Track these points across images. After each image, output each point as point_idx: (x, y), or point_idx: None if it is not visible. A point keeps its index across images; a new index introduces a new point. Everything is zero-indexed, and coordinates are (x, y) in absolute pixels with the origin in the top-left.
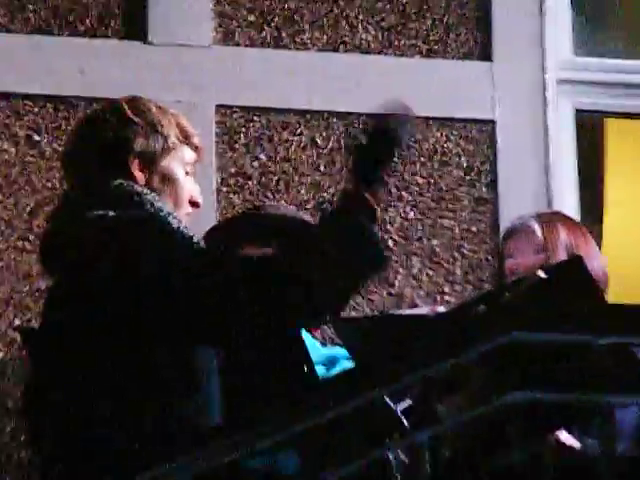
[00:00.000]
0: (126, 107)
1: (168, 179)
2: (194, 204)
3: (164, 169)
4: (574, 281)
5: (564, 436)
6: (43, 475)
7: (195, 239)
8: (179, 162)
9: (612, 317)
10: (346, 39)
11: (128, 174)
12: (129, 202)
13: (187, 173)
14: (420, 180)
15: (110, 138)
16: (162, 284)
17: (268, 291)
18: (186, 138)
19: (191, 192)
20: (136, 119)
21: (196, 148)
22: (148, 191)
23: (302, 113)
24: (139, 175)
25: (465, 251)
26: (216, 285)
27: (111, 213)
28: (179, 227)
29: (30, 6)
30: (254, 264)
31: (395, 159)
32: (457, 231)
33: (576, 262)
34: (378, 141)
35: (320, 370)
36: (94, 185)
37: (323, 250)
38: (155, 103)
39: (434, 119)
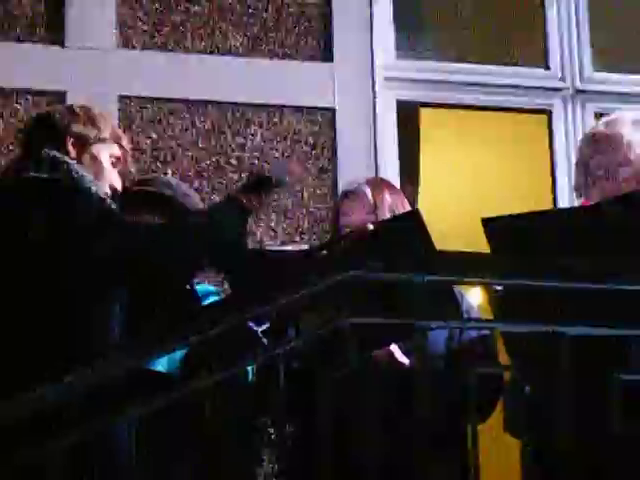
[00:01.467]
0: (75, 105)
1: (95, 161)
2: (113, 190)
3: (94, 153)
4: (411, 229)
5: (395, 351)
6: None
7: (106, 202)
8: (107, 152)
9: (432, 260)
10: (219, 45)
11: (63, 149)
12: (58, 168)
13: (113, 165)
14: (277, 154)
15: (55, 120)
16: (75, 233)
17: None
18: (117, 139)
19: (112, 180)
20: (78, 111)
21: (123, 148)
22: (75, 162)
23: (184, 102)
24: (72, 151)
25: (311, 209)
26: (107, 236)
27: (43, 175)
28: (96, 190)
29: None
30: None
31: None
32: (305, 193)
33: (416, 213)
34: (268, 182)
35: None
36: (35, 154)
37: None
38: (100, 111)
39: (288, 107)
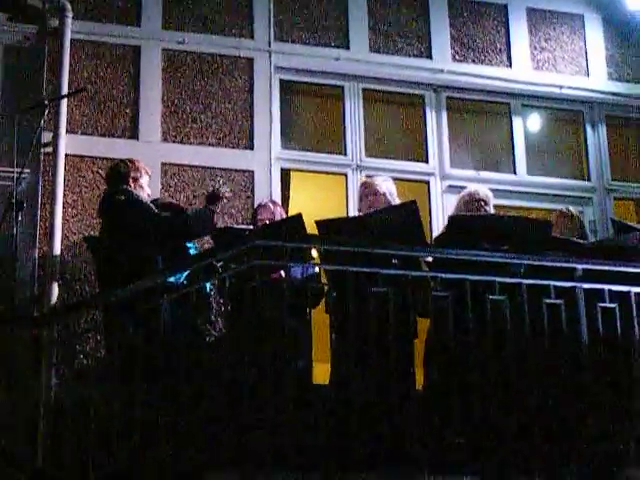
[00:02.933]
0: (127, 161)
1: (141, 187)
2: (148, 196)
3: (140, 183)
4: (298, 222)
5: (281, 273)
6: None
7: (151, 206)
8: (145, 181)
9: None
10: (208, 140)
11: (129, 184)
12: (127, 193)
13: (147, 184)
14: (229, 188)
15: (123, 171)
16: (141, 222)
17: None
18: (147, 173)
19: (148, 193)
20: (130, 164)
21: (150, 176)
22: (133, 189)
23: (188, 167)
24: (133, 184)
25: (242, 213)
26: (156, 222)
27: (122, 197)
28: (145, 201)
29: None
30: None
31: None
32: (240, 207)
33: (297, 216)
34: (214, 196)
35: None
36: (116, 187)
37: (195, 220)
38: (139, 162)
39: (237, 170)
